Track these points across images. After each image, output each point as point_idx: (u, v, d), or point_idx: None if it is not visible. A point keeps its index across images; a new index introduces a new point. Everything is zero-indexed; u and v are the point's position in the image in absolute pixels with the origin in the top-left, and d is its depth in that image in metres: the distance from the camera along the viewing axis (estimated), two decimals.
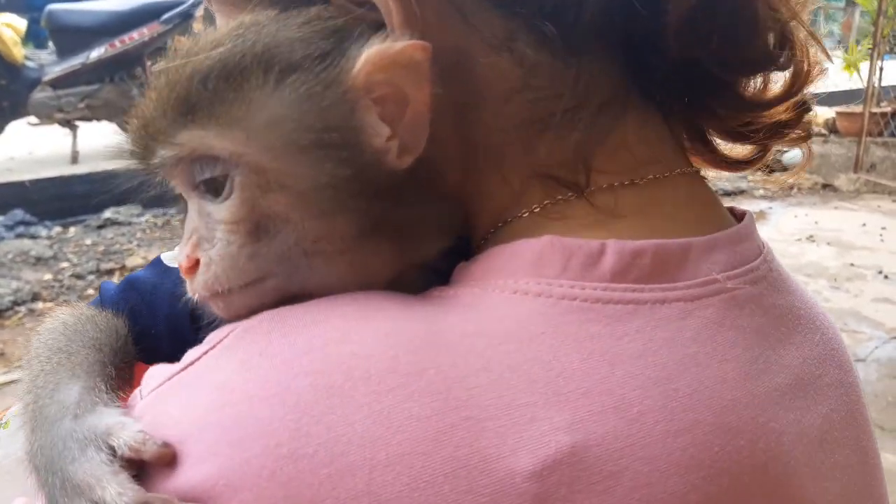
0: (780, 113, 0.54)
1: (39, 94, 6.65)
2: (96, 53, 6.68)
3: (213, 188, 0.45)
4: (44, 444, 0.43)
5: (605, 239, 0.45)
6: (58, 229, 5.56)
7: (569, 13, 0.45)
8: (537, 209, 0.49)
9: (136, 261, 4.99)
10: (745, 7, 0.48)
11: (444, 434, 0.38)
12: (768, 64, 0.52)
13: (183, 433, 0.40)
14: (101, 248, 5.21)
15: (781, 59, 0.52)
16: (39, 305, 4.36)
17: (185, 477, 0.38)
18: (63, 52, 6.84)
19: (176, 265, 0.54)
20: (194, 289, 0.46)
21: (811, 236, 5.14)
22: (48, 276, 4.75)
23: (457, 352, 0.41)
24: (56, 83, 6.67)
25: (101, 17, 6.85)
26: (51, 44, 7.21)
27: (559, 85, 0.48)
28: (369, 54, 0.43)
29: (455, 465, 0.37)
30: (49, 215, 5.71)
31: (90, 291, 4.58)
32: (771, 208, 5.78)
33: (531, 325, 0.42)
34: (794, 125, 0.55)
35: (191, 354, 0.45)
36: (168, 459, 0.39)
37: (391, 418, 0.38)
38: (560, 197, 0.49)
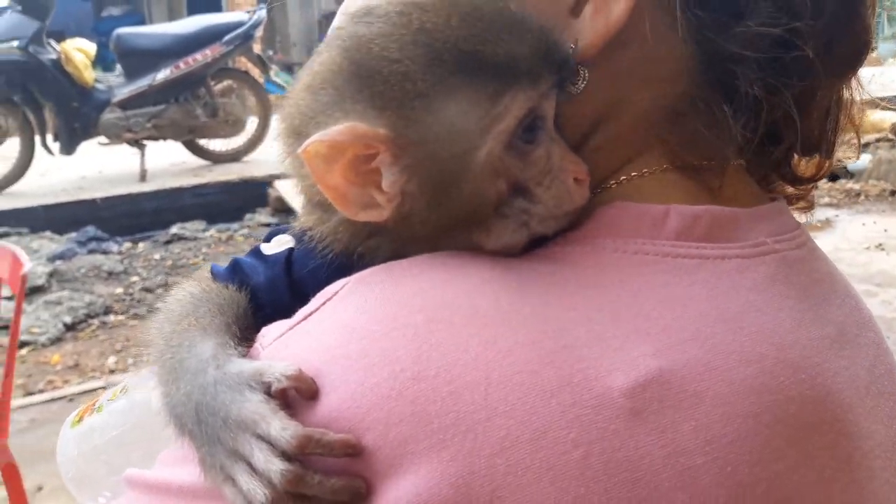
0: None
1: (109, 115, 6.90)
2: (162, 75, 6.92)
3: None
4: (190, 391, 0.46)
5: (669, 204, 0.51)
6: (128, 245, 5.75)
7: (726, 36, 0.51)
8: (614, 185, 0.54)
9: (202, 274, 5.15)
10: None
11: (547, 357, 0.42)
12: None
13: (313, 369, 0.44)
14: (168, 263, 5.38)
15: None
16: (111, 318, 4.53)
17: (320, 406, 0.43)
18: (130, 75, 7.09)
19: (272, 252, 0.57)
20: (583, 195, 0.51)
21: (880, 244, 4.98)
22: (119, 290, 4.92)
23: (548, 294, 0.45)
24: (124, 104, 6.92)
25: (167, 40, 7.10)
26: (119, 66, 7.49)
27: (697, 84, 0.53)
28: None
29: (560, 382, 0.41)
30: (119, 231, 5.91)
31: (159, 304, 4.72)
32: (837, 216, 5.62)
33: (610, 275, 0.47)
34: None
35: (306, 308, 0.49)
36: (315, 390, 0.43)
37: (499, 344, 0.42)
38: (636, 173, 0.54)
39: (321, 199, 0.51)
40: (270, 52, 13.21)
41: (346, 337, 0.44)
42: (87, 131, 6.98)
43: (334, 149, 0.46)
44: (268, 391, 0.44)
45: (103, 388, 3.71)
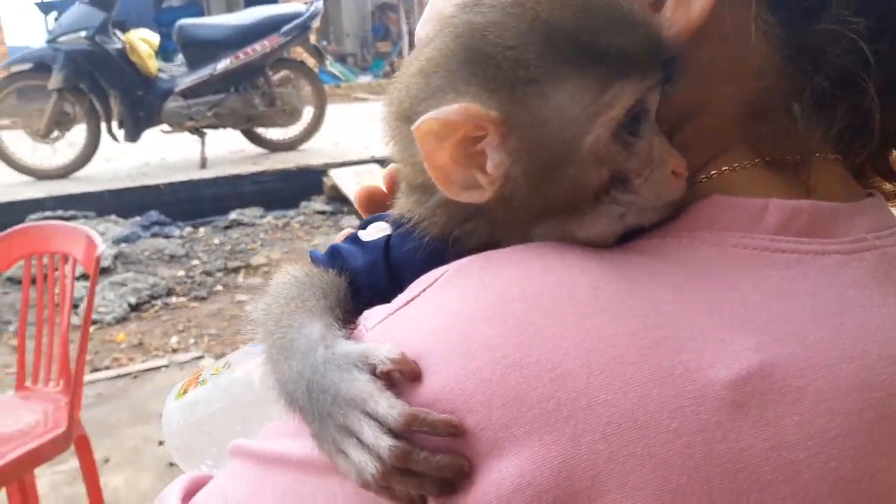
0: None
1: (171, 104, 7.05)
2: (223, 65, 7.04)
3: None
4: (301, 370, 0.48)
5: (767, 198, 0.51)
6: (189, 229, 5.89)
7: (830, 41, 0.51)
8: (726, 170, 0.55)
9: (259, 259, 5.24)
10: None
11: (648, 348, 0.43)
12: None
13: (414, 353, 0.45)
14: (227, 248, 5.50)
15: None
16: (173, 299, 4.66)
17: (423, 387, 0.45)
18: (192, 64, 7.24)
19: (370, 238, 0.59)
20: (681, 188, 0.52)
21: None
22: (181, 273, 5.05)
23: (647, 285, 0.46)
24: (186, 93, 7.07)
25: (227, 31, 7.22)
26: (181, 56, 7.66)
27: (778, 80, 0.53)
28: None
29: (661, 373, 0.42)
30: (181, 216, 6.06)
31: (218, 287, 4.86)
32: None
33: (709, 267, 0.48)
34: None
35: (407, 294, 0.50)
36: (418, 372, 0.45)
37: (601, 334, 0.43)
38: (727, 168, 0.54)
39: (423, 182, 0.53)
40: (325, 43, 13.35)
41: (447, 322, 0.46)
42: (151, 119, 7.15)
43: (447, 127, 0.48)
44: (373, 372, 0.46)
45: (166, 366, 3.84)
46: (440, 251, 0.53)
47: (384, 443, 0.43)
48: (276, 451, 0.51)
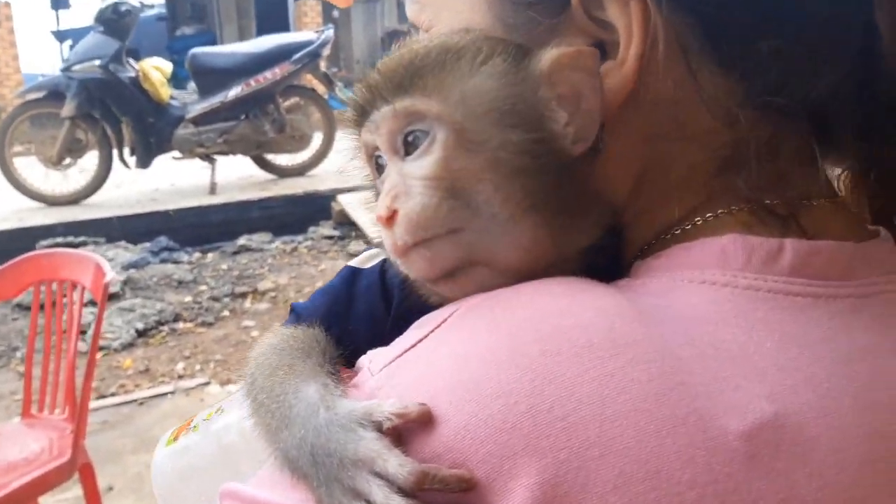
0: None
1: (182, 131, 7.16)
2: (234, 92, 7.15)
3: (413, 146, 0.53)
4: (304, 436, 0.47)
5: (782, 238, 0.50)
6: (197, 255, 5.93)
7: (798, 90, 0.51)
8: (722, 213, 0.54)
9: (267, 284, 5.26)
10: None
11: (663, 395, 0.42)
12: None
13: (425, 398, 0.44)
14: (235, 273, 5.52)
15: None
16: (180, 325, 4.67)
17: (433, 437, 0.43)
18: (204, 92, 7.34)
19: (364, 266, 0.62)
20: (395, 238, 0.51)
21: None
22: (188, 298, 5.06)
23: (661, 328, 0.45)
24: (197, 120, 7.17)
25: (239, 59, 7.34)
26: (192, 84, 7.76)
27: (755, 138, 0.52)
28: (555, 52, 0.52)
29: (675, 422, 0.41)
30: (190, 242, 6.11)
31: (225, 313, 4.87)
32: None
33: (723, 311, 0.47)
34: None
35: (415, 334, 0.49)
36: (429, 416, 0.43)
37: (615, 380, 0.42)
38: (711, 215, 0.53)
39: None
40: (335, 69, 13.47)
41: (458, 366, 0.45)
42: (162, 146, 7.25)
43: None
44: (379, 429, 0.44)
45: (171, 392, 3.84)
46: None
47: (395, 502, 0.42)
48: (270, 500, 0.49)
